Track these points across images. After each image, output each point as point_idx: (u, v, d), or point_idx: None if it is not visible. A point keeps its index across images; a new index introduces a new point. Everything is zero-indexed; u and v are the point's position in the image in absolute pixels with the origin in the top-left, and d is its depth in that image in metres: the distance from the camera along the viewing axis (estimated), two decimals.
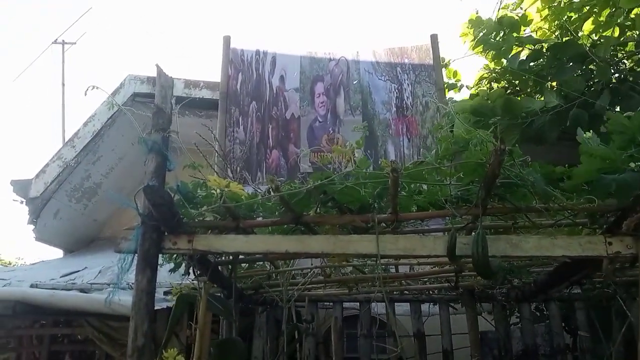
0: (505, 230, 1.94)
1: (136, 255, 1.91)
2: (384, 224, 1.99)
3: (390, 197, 1.77)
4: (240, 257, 2.33)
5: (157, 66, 2.19)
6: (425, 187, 1.89)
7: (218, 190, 1.92)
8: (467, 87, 5.54)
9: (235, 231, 2.04)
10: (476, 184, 1.74)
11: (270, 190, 1.80)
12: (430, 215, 1.92)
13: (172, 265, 2.51)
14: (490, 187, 1.69)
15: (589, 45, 4.61)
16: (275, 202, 1.99)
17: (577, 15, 5.05)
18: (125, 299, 3.39)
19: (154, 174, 1.93)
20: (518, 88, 5.14)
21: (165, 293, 3.62)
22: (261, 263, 2.87)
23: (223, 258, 2.43)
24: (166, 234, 1.94)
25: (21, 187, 6.00)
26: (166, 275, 3.00)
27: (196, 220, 1.98)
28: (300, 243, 1.86)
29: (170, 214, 1.86)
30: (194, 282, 2.57)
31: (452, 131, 1.77)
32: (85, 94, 2.07)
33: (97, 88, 2.16)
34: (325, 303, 4.00)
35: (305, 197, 1.87)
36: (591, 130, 1.80)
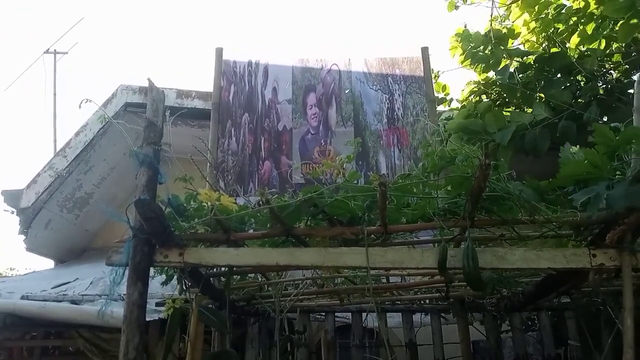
0: (492, 241, 1.97)
1: (127, 268, 1.92)
2: (373, 236, 2.02)
3: (379, 210, 1.80)
4: (233, 269, 2.34)
5: (149, 80, 2.21)
6: (413, 199, 1.92)
7: (209, 203, 1.94)
8: (456, 100, 5.61)
9: (226, 243, 2.06)
10: (463, 197, 1.78)
11: (261, 202, 1.82)
12: (418, 227, 1.94)
13: (164, 277, 2.52)
14: (476, 200, 1.72)
15: (576, 57, 4.70)
16: (266, 214, 2.01)
17: (564, 27, 5.14)
18: (117, 311, 3.38)
19: (146, 187, 1.94)
20: (507, 100, 5.21)
21: (157, 304, 3.61)
22: (253, 274, 2.88)
23: (214, 270, 2.44)
24: (157, 247, 1.95)
25: (12, 197, 5.97)
26: (158, 286, 3.01)
27: (187, 232, 2.00)
28: (290, 256, 1.88)
29: (162, 227, 1.87)
30: (185, 294, 2.58)
31: (443, 145, 1.81)
32: (80, 107, 2.09)
33: (89, 101, 2.18)
34: (317, 314, 4.02)
35: (295, 210, 1.89)
36: (577, 145, 1.84)
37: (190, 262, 1.91)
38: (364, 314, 3.86)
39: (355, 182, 1.92)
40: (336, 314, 3.91)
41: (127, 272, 1.95)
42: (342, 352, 4.78)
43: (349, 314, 3.96)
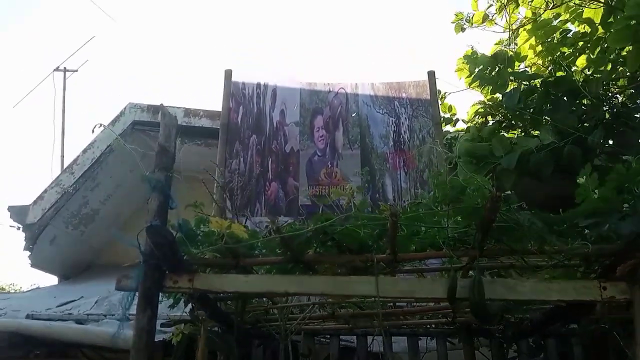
0: (502, 271, 1.97)
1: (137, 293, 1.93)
2: (382, 264, 2.03)
3: (389, 239, 1.81)
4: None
5: (162, 105, 2.26)
6: (423, 228, 1.93)
7: (219, 230, 1.95)
8: (462, 120, 5.64)
9: (235, 269, 2.07)
10: (473, 227, 1.78)
11: (272, 231, 1.83)
12: (428, 255, 1.95)
13: (171, 300, 2.52)
14: (486, 231, 1.73)
15: (581, 80, 4.73)
16: (275, 241, 2.02)
17: (570, 51, 5.19)
18: (124, 333, 3.38)
19: (157, 212, 1.96)
20: (513, 122, 5.24)
21: (163, 325, 3.59)
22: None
23: (222, 294, 2.44)
24: (167, 272, 1.96)
25: (18, 213, 6.00)
26: (164, 306, 3.00)
27: (197, 258, 2.01)
28: (300, 284, 1.89)
29: (172, 253, 1.89)
30: (191, 317, 2.57)
31: (451, 167, 1.82)
32: (92, 132, 2.12)
33: (102, 125, 2.21)
34: (321, 337, 3.98)
35: (305, 237, 1.90)
36: (590, 172, 1.84)
37: (199, 288, 1.91)
38: (369, 338, 3.82)
39: (365, 211, 1.92)
40: (341, 337, 3.87)
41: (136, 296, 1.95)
42: None
43: (353, 337, 3.92)
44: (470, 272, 1.99)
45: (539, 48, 5.35)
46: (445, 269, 1.97)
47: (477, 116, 5.40)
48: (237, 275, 1.95)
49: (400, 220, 1.73)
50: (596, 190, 1.64)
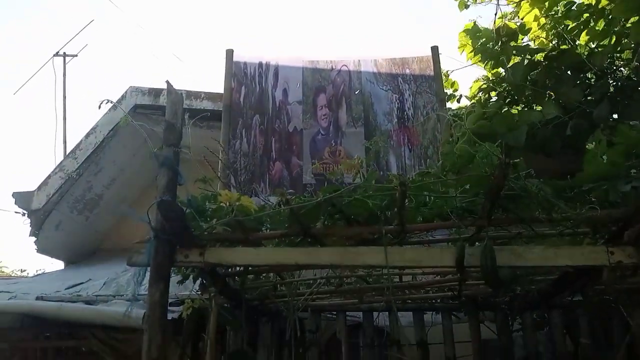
0: (510, 240, 1.98)
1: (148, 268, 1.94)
2: (390, 235, 2.04)
3: (397, 209, 1.82)
4: (249, 268, 2.37)
5: (168, 82, 2.24)
6: (430, 198, 1.93)
7: (228, 204, 1.96)
8: (465, 97, 5.61)
9: (243, 243, 2.08)
10: (481, 196, 1.79)
11: (281, 203, 1.84)
12: (436, 226, 1.96)
13: (179, 277, 2.55)
14: (494, 199, 1.74)
15: (586, 54, 4.68)
16: (283, 214, 2.03)
17: (574, 24, 5.13)
18: (135, 311, 3.41)
19: (166, 188, 1.96)
20: (516, 97, 5.20)
21: (171, 304, 3.63)
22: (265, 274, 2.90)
23: (231, 270, 2.46)
24: (178, 247, 1.97)
25: (23, 199, 6.02)
26: (173, 286, 3.04)
27: (207, 232, 2.02)
28: (309, 255, 1.90)
29: (183, 228, 1.90)
30: (198, 293, 2.61)
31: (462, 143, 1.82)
32: (99, 108, 2.12)
33: (109, 102, 2.21)
34: (328, 314, 4.03)
35: (314, 210, 1.91)
36: (599, 140, 1.84)
37: (210, 261, 1.93)
38: (374, 313, 3.87)
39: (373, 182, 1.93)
40: (347, 313, 3.91)
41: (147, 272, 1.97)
42: (351, 352, 4.79)
43: (359, 313, 3.97)
44: (477, 243, 2.01)
45: (543, 21, 5.29)
46: (453, 240, 1.99)
47: (480, 92, 5.37)
48: (247, 248, 1.96)
49: (410, 190, 1.73)
50: (604, 156, 1.64)
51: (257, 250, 1.96)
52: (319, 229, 1.99)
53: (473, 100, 5.37)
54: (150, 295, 1.88)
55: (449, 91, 5.63)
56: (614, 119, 4.23)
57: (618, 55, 4.73)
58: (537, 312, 3.58)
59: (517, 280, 2.34)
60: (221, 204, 2.07)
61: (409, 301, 3.70)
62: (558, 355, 3.57)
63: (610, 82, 4.54)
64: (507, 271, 1.76)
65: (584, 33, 5.01)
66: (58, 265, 6.79)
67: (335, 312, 3.98)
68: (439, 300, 3.66)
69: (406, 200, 1.77)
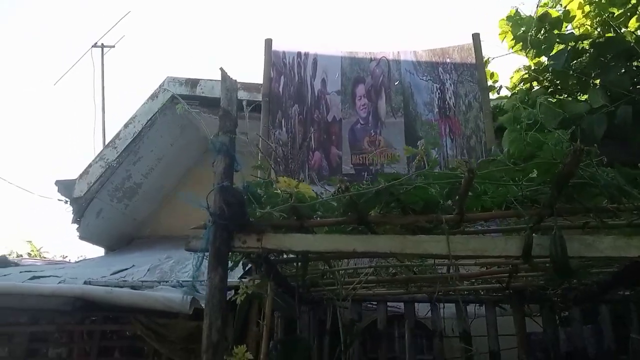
0: (575, 230, 1.93)
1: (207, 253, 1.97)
2: (445, 225, 2.00)
3: (459, 197, 1.78)
4: (301, 255, 2.37)
5: (222, 69, 2.24)
6: (492, 186, 1.89)
7: (284, 190, 1.97)
8: (506, 87, 5.48)
9: (298, 230, 2.08)
10: (547, 184, 1.74)
11: (340, 190, 1.83)
12: (496, 215, 1.92)
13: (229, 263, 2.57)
14: (562, 187, 1.69)
15: (633, 41, 4.51)
16: (338, 202, 2.03)
17: (620, 11, 4.94)
18: (175, 296, 3.49)
19: (224, 174, 1.97)
20: (559, 87, 5.07)
21: None
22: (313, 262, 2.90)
23: (282, 257, 2.47)
24: (235, 232, 1.99)
25: (65, 187, 6.19)
26: None
27: (264, 218, 2.02)
28: (368, 242, 1.89)
29: (241, 213, 1.91)
30: (250, 280, 2.63)
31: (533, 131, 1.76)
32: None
33: (168, 91, 2.22)
34: (368, 304, 4.03)
35: (372, 198, 1.89)
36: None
37: (268, 247, 1.94)
38: (416, 304, 3.85)
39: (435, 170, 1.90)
40: (388, 303, 3.90)
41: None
42: (390, 343, 4.79)
43: (400, 304, 3.95)
44: (534, 234, 1.96)
45: (587, 9, 5.12)
46: (518, 229, 1.94)
47: (521, 83, 5.24)
48: (305, 235, 1.96)
49: (476, 178, 1.70)
50: None
51: (315, 237, 1.96)
52: (376, 216, 1.98)
53: (514, 91, 5.24)
54: (210, 280, 1.90)
55: (489, 82, 5.51)
56: None
57: None
58: (587, 305, 3.50)
59: (579, 272, 2.29)
60: (276, 191, 2.08)
61: (451, 292, 3.66)
62: (607, 349, 3.49)
63: None
64: (576, 261, 1.71)
65: (633, 19, 4.83)
66: (98, 251, 6.99)
67: (375, 303, 3.98)
68: (483, 292, 3.61)
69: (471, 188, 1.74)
